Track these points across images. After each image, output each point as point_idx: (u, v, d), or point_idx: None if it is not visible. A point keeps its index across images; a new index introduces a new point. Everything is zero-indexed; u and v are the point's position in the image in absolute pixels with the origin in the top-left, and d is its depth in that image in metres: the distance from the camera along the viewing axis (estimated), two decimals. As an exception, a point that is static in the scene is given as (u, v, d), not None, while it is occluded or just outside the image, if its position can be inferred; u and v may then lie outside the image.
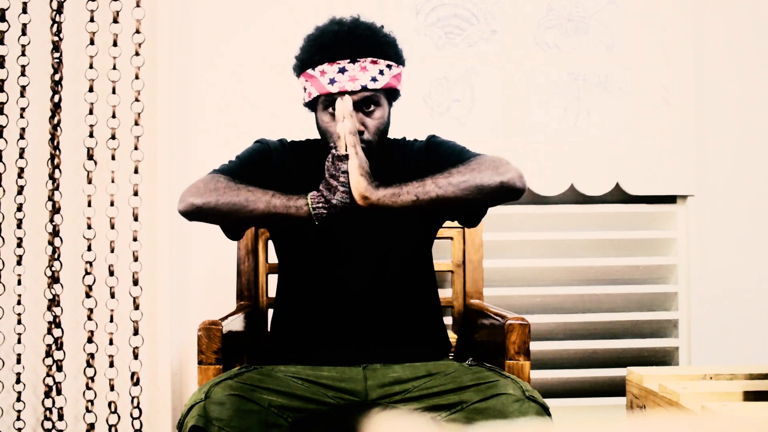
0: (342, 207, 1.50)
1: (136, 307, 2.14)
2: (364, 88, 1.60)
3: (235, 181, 1.55)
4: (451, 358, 1.78)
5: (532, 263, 2.32)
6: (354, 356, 1.60)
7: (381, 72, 1.62)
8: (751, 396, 1.66)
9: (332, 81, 1.60)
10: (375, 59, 1.61)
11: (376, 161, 1.58)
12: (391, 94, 1.68)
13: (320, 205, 1.50)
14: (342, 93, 1.59)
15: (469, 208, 1.62)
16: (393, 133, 1.74)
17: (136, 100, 2.15)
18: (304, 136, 1.78)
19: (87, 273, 2.14)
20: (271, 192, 1.53)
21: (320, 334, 1.64)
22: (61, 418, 2.14)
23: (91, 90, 2.15)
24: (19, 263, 2.14)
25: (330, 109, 1.62)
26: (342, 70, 1.60)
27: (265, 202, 1.51)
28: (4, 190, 2.14)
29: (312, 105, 1.67)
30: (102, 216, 2.15)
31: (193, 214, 1.54)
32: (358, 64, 1.60)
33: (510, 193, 1.52)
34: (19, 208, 2.14)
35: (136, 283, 2.15)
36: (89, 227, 2.14)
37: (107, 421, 2.15)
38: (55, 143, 2.15)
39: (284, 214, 1.51)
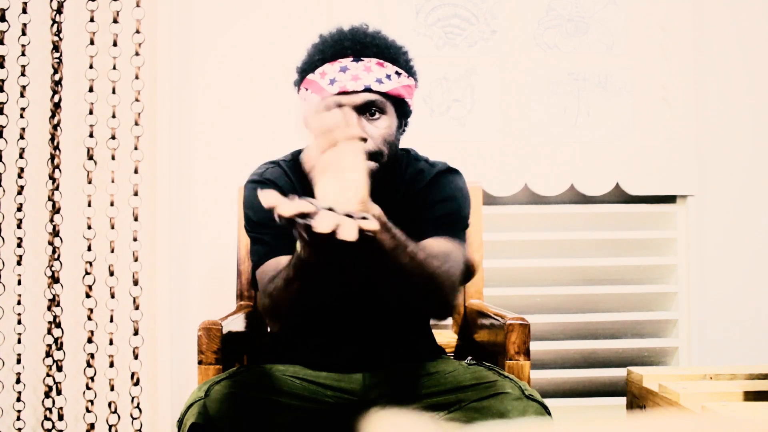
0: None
1: (136, 307, 2.14)
2: (368, 89, 1.43)
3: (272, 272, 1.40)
4: (450, 357, 1.78)
5: (532, 263, 2.31)
6: (353, 357, 1.59)
7: (388, 76, 1.46)
8: (751, 396, 1.66)
9: (332, 81, 1.44)
10: (381, 61, 1.46)
11: (380, 183, 1.36)
12: (401, 107, 1.50)
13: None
14: (343, 93, 1.43)
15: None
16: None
17: (136, 100, 2.15)
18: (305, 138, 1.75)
19: (87, 273, 2.14)
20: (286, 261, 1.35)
21: (319, 334, 1.63)
22: (61, 418, 2.14)
23: (91, 90, 2.15)
24: (19, 263, 2.14)
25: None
26: (344, 69, 1.44)
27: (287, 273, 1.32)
28: (4, 190, 2.14)
29: None
30: (102, 216, 2.15)
31: (284, 327, 1.47)
32: (362, 63, 1.45)
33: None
34: (19, 208, 2.14)
35: (136, 283, 2.15)
36: (89, 227, 2.14)
37: (107, 421, 2.15)
38: (55, 143, 2.15)
39: (304, 262, 1.28)
